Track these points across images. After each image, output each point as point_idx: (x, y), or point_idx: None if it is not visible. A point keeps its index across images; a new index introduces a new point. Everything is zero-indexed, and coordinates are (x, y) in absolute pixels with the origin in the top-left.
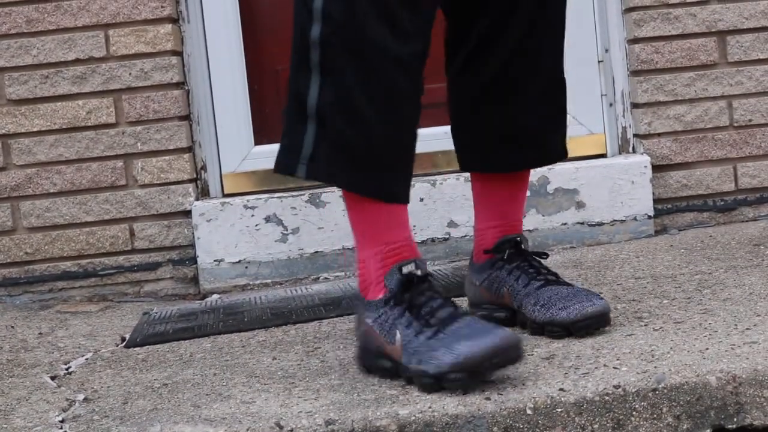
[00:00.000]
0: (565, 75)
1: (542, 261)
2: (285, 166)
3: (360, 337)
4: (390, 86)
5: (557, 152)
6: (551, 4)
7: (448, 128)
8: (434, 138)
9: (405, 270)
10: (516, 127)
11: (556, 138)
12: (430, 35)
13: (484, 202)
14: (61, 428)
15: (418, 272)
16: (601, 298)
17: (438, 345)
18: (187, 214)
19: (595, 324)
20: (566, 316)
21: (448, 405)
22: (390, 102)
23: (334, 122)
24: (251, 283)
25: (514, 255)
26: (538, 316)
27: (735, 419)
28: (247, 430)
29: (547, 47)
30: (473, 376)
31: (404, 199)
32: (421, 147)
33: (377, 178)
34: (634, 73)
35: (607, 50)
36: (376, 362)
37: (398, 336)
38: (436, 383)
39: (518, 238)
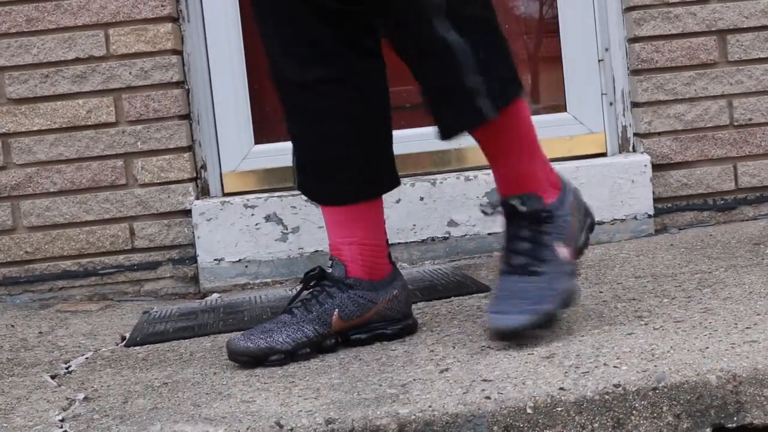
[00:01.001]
0: (566, 74)
1: (545, 224)
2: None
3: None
4: (301, 107)
5: (453, 123)
6: None
7: None
8: (433, 137)
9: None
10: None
11: (451, 108)
12: (339, 62)
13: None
14: (61, 427)
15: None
16: (532, 312)
17: None
18: (187, 213)
19: (503, 341)
20: (489, 321)
21: (449, 404)
22: (306, 121)
23: (294, 142)
24: (251, 282)
25: (510, 219)
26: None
27: (735, 418)
28: (247, 429)
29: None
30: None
31: (348, 201)
32: (420, 146)
33: (316, 187)
34: (635, 72)
35: (607, 49)
36: None
37: None
38: None
39: (515, 201)
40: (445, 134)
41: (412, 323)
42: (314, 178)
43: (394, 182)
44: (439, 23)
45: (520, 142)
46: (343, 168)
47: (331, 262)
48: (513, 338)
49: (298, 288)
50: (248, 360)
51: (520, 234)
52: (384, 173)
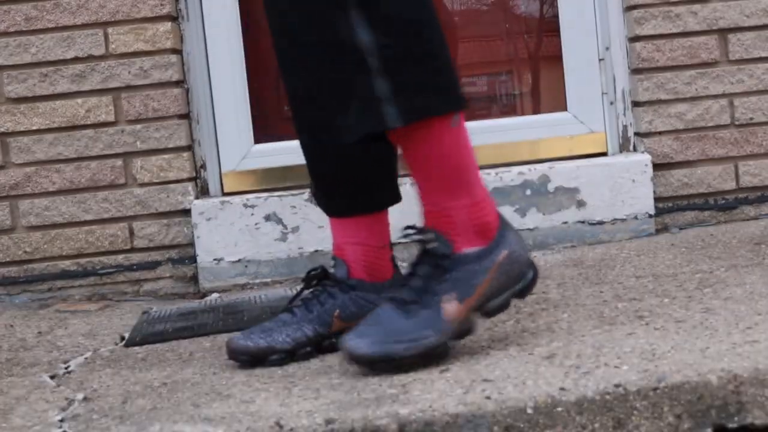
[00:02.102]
0: (566, 74)
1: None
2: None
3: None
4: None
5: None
6: None
7: None
8: None
9: None
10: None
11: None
12: None
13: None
14: (61, 427)
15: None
16: (377, 342)
17: None
18: (187, 212)
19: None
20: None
21: (449, 404)
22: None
23: (304, 150)
24: (251, 282)
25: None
26: None
27: (736, 418)
28: (247, 429)
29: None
30: None
31: (337, 214)
32: None
33: (323, 199)
34: (635, 71)
35: (607, 48)
36: None
37: None
38: None
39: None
40: (347, 135)
41: None
42: (321, 191)
43: (397, 197)
44: (354, 16)
45: (439, 171)
46: (353, 186)
47: (333, 261)
48: (357, 363)
49: (300, 287)
50: (248, 359)
51: (418, 270)
52: (390, 189)
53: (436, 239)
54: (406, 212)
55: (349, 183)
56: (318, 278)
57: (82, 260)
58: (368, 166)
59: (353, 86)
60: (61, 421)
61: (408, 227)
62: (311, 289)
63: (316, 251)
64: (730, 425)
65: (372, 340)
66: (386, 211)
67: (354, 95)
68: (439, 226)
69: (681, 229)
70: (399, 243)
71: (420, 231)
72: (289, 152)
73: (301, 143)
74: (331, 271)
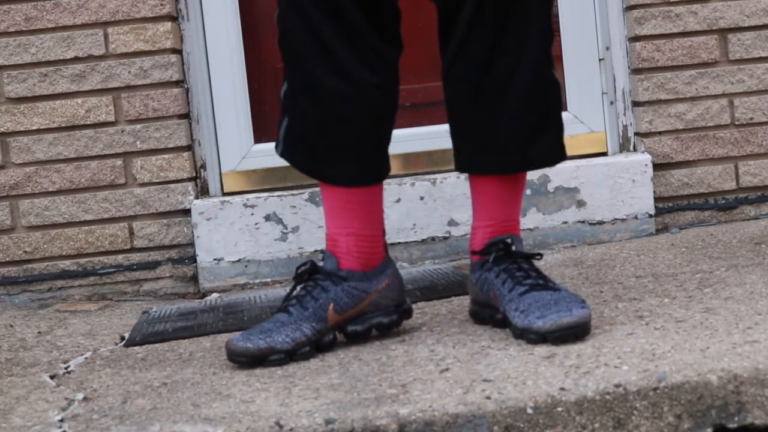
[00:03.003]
0: (566, 74)
1: (534, 263)
2: (276, 144)
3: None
4: (319, 84)
5: (546, 156)
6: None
7: (447, 126)
8: (434, 136)
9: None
10: (500, 134)
11: (544, 141)
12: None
13: (478, 202)
14: (60, 427)
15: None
16: (584, 307)
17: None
18: (187, 212)
19: (570, 334)
20: (542, 324)
21: (449, 404)
22: (320, 99)
23: (288, 112)
24: (251, 281)
25: (502, 257)
26: (518, 322)
27: (736, 418)
28: (247, 429)
29: (530, 45)
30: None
31: (354, 184)
32: (420, 146)
33: (323, 166)
34: (635, 71)
35: (608, 48)
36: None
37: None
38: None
39: (508, 240)
40: (537, 163)
41: (407, 308)
42: (318, 157)
43: (388, 169)
44: (547, 58)
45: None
46: (354, 151)
47: (322, 255)
48: (581, 332)
49: (291, 285)
50: (248, 360)
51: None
52: (386, 160)
53: (324, 258)
54: (404, 214)
55: (361, 147)
56: (308, 273)
57: (82, 260)
58: (381, 132)
59: (551, 118)
60: (61, 421)
61: (492, 244)
62: (302, 285)
63: (316, 251)
64: (730, 425)
65: (579, 306)
66: (381, 193)
67: (553, 128)
68: (514, 231)
69: (681, 229)
70: (399, 243)
71: (504, 243)
72: None
73: (299, 107)
74: (320, 264)
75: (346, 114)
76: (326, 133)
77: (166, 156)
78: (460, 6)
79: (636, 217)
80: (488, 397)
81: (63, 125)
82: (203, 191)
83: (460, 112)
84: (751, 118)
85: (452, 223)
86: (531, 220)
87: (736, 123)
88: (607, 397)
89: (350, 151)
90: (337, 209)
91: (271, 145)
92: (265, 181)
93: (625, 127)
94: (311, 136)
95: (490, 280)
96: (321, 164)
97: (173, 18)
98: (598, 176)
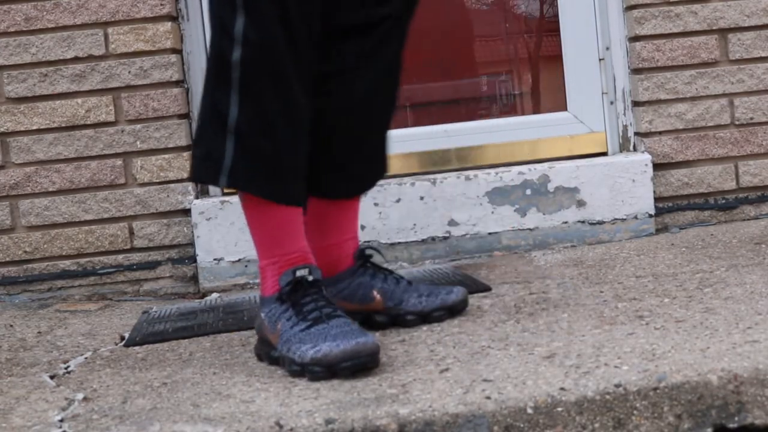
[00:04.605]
0: (566, 74)
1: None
2: (206, 175)
3: (257, 329)
4: (297, 104)
5: (382, 173)
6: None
7: (447, 126)
8: (434, 136)
9: (298, 273)
10: (354, 163)
11: (383, 162)
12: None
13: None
14: (60, 427)
15: (310, 277)
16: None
17: (307, 338)
18: (187, 212)
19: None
20: (455, 298)
21: (449, 404)
22: (296, 117)
23: (251, 137)
24: (251, 281)
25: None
26: (426, 306)
27: (736, 418)
28: (247, 429)
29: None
30: (329, 372)
31: (303, 204)
32: (421, 146)
33: (286, 187)
34: (635, 71)
35: (608, 48)
36: (263, 349)
37: (278, 326)
38: (300, 370)
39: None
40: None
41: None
42: (289, 180)
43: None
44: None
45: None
46: (303, 170)
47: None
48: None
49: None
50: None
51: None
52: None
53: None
54: (404, 214)
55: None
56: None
57: (82, 260)
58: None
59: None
60: (61, 421)
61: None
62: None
63: None
64: (730, 425)
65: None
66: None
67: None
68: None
69: (681, 228)
70: (399, 243)
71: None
72: None
73: (268, 119)
74: (310, 278)
75: (306, 131)
76: (295, 151)
77: (166, 156)
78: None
79: (636, 217)
80: (488, 397)
81: (63, 125)
82: (203, 191)
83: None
84: (751, 118)
85: (452, 223)
86: (531, 220)
87: (736, 123)
88: (607, 397)
89: (303, 169)
90: (296, 227)
91: None
92: None
93: (625, 127)
94: (277, 157)
95: (366, 282)
96: (285, 184)
97: (173, 18)
98: (598, 176)
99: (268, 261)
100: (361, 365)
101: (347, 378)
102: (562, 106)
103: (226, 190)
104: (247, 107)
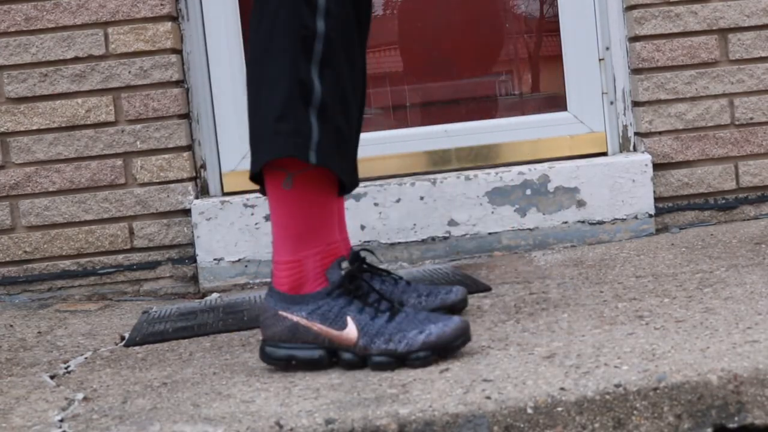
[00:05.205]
0: (566, 74)
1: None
2: (296, 151)
3: (282, 331)
4: (362, 83)
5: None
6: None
7: (447, 126)
8: (434, 136)
9: (344, 265)
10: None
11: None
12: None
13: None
14: (60, 427)
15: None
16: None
17: (406, 325)
18: (187, 212)
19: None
20: (454, 297)
21: (449, 404)
22: (360, 97)
23: (333, 113)
24: (251, 281)
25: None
26: (426, 305)
27: (736, 418)
28: (247, 429)
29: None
30: (441, 354)
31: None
32: (421, 146)
33: (354, 169)
34: (635, 71)
35: (608, 48)
36: (309, 352)
37: (350, 321)
38: (397, 362)
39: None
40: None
41: None
42: (352, 159)
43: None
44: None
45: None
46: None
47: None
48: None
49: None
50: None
51: None
52: None
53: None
54: (404, 214)
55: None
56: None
57: (82, 260)
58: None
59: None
60: (61, 421)
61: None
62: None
63: None
64: (730, 425)
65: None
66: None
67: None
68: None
69: (681, 228)
70: (399, 243)
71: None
72: None
73: (348, 87)
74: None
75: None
76: (359, 130)
77: (166, 156)
78: None
79: (636, 217)
80: (488, 397)
81: (63, 125)
82: (203, 191)
83: None
84: (751, 118)
85: (452, 223)
86: (531, 219)
87: (736, 123)
88: (607, 397)
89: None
90: (330, 219)
91: None
92: None
93: (625, 127)
94: (350, 135)
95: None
96: (354, 166)
97: (173, 18)
98: (598, 176)
99: (306, 253)
100: (468, 340)
101: (455, 355)
102: (562, 106)
103: (226, 190)
104: (329, 82)
